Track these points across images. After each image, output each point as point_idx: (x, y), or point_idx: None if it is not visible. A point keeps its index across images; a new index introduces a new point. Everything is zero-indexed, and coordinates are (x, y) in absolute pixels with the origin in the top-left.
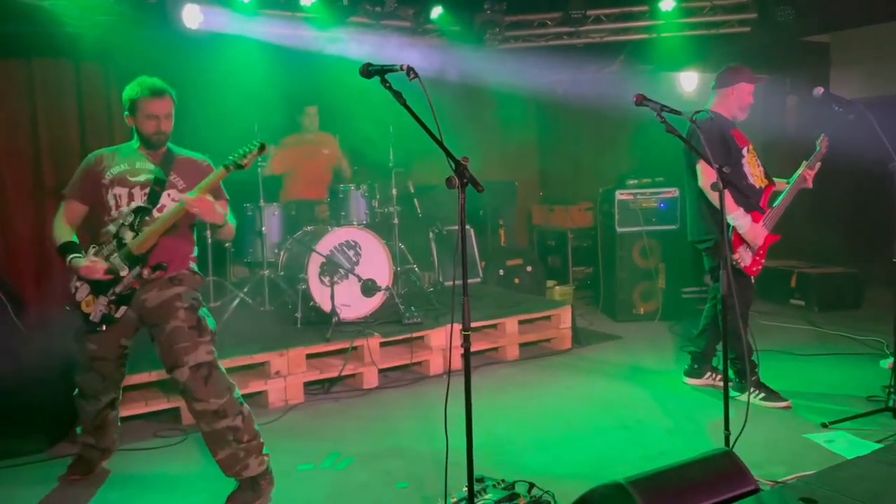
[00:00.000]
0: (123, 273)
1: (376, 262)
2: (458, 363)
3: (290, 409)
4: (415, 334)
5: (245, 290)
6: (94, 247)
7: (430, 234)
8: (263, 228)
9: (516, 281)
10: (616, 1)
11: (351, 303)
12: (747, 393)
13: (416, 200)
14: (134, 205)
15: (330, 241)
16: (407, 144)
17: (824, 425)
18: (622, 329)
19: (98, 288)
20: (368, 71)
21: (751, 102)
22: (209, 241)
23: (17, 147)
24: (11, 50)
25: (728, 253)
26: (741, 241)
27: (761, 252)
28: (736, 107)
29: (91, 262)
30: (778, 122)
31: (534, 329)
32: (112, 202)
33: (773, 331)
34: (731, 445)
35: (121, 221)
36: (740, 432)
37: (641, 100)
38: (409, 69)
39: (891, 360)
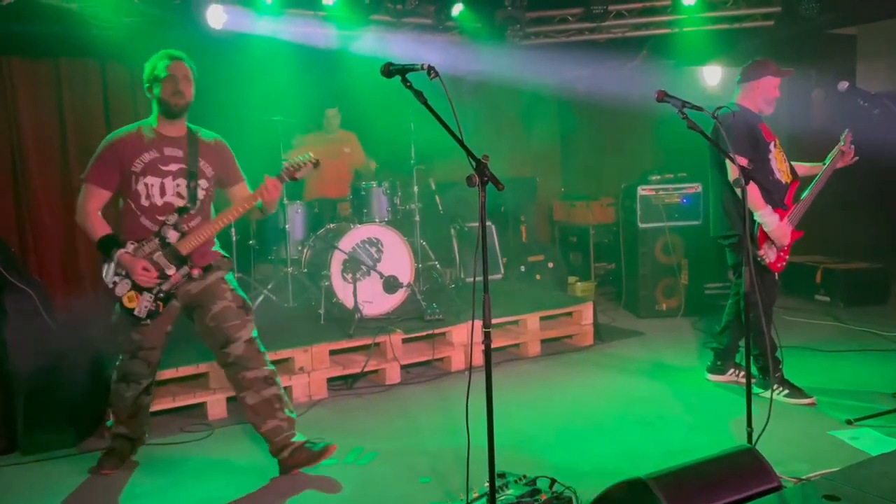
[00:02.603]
0: (170, 272)
1: (398, 258)
2: (479, 359)
3: (313, 404)
4: (436, 331)
5: (269, 286)
6: (132, 244)
7: (452, 231)
8: (287, 226)
9: (538, 277)
10: None
11: (373, 299)
12: (770, 389)
13: (437, 197)
14: (177, 203)
15: (352, 238)
16: (428, 142)
17: (849, 422)
18: (644, 325)
19: (141, 285)
20: (390, 70)
21: (777, 96)
22: (234, 238)
23: (46, 145)
24: (40, 50)
25: (752, 249)
26: (766, 236)
27: (786, 248)
28: (762, 101)
29: (144, 271)
30: (803, 116)
31: (555, 325)
32: (143, 190)
33: (797, 327)
34: (753, 442)
35: (162, 220)
36: (763, 429)
37: (663, 96)
38: (430, 68)
39: None
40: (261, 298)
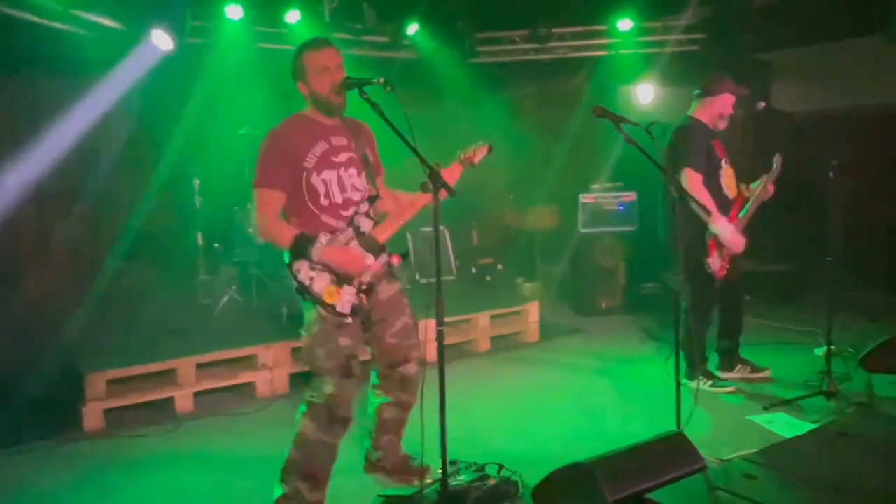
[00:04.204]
0: (369, 262)
1: None
2: (433, 355)
3: (276, 398)
4: None
5: (233, 287)
6: (324, 235)
7: (408, 235)
8: (251, 230)
9: (488, 278)
10: (579, 20)
11: None
12: (696, 381)
13: None
14: (354, 197)
15: None
16: (384, 150)
17: (765, 408)
18: (586, 322)
19: (342, 277)
20: (348, 84)
21: (731, 113)
22: (200, 242)
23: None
24: (16, 67)
25: (700, 255)
26: (716, 247)
27: (728, 256)
28: (717, 116)
29: (353, 258)
30: (724, 134)
31: (504, 323)
32: (321, 188)
33: None
34: (682, 427)
35: (351, 212)
36: (690, 416)
37: (601, 112)
38: (386, 82)
39: (825, 348)
40: (226, 299)
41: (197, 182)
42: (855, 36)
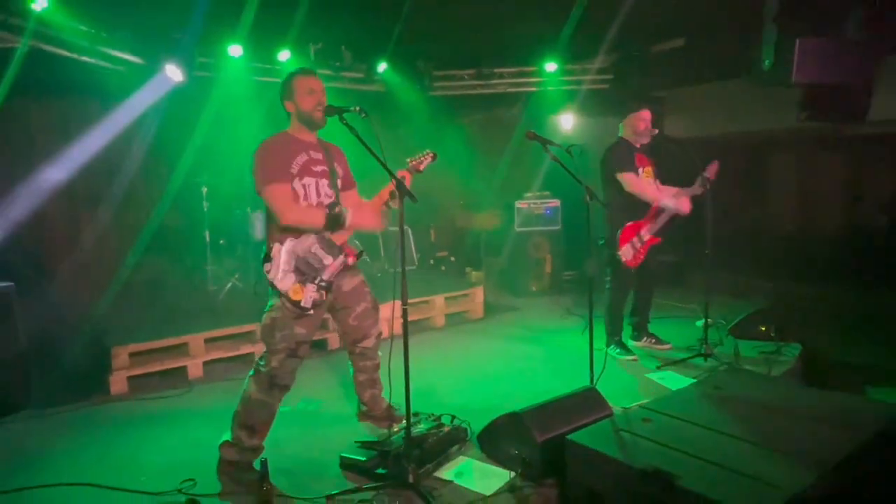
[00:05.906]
0: (328, 262)
1: None
2: (399, 330)
3: None
4: None
5: (236, 276)
6: (291, 239)
7: (378, 233)
8: (250, 230)
9: (443, 268)
10: (515, 62)
11: None
12: (607, 348)
13: None
14: (327, 200)
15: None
16: (361, 167)
17: (658, 367)
18: (520, 303)
19: (306, 277)
20: (331, 110)
21: (646, 127)
22: (208, 239)
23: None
24: (51, 91)
25: (612, 249)
26: (626, 240)
27: (642, 250)
28: (632, 132)
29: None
30: (648, 148)
31: (456, 303)
32: (301, 191)
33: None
34: (594, 384)
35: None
36: (601, 374)
37: (532, 136)
38: (361, 110)
39: (703, 321)
40: (229, 285)
41: (205, 189)
42: (727, 78)
